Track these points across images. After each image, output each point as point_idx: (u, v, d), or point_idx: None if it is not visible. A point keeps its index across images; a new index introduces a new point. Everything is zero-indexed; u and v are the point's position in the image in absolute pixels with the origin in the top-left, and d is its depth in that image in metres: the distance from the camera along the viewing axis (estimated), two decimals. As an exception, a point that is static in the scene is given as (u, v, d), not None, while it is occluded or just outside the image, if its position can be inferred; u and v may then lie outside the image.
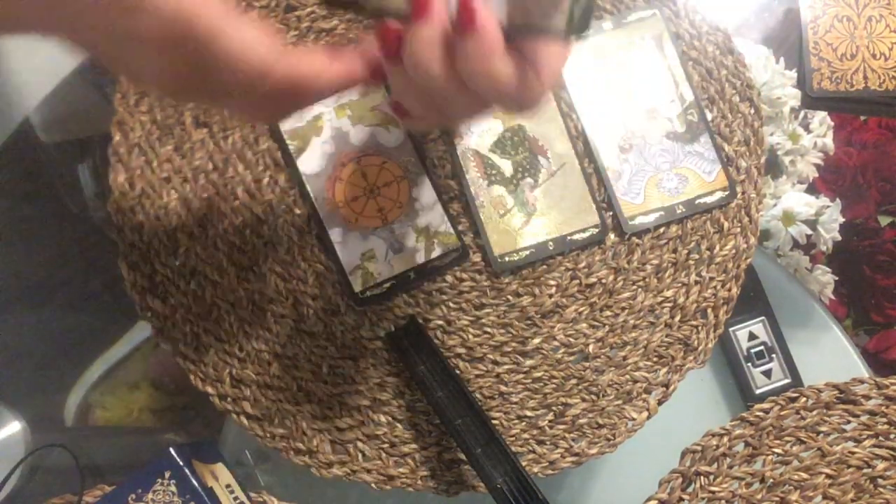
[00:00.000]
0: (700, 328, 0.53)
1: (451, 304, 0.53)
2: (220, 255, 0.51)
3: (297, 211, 0.52)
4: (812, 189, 0.77)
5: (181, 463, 0.47)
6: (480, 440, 0.46)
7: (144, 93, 0.52)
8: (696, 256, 0.54)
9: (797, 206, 0.73)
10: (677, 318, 0.53)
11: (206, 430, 0.77)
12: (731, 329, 0.65)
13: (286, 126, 0.53)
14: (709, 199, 0.54)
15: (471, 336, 0.52)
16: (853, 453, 0.51)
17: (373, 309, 0.52)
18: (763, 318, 0.65)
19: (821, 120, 0.78)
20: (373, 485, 0.50)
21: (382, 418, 0.51)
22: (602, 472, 0.64)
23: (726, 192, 0.55)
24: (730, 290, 0.54)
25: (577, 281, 0.53)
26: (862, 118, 0.90)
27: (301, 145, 0.53)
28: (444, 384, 0.48)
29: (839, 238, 0.75)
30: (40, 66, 0.56)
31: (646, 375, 0.53)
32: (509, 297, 0.53)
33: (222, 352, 0.50)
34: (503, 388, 0.52)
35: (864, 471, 0.51)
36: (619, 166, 0.54)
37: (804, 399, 0.52)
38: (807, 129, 0.77)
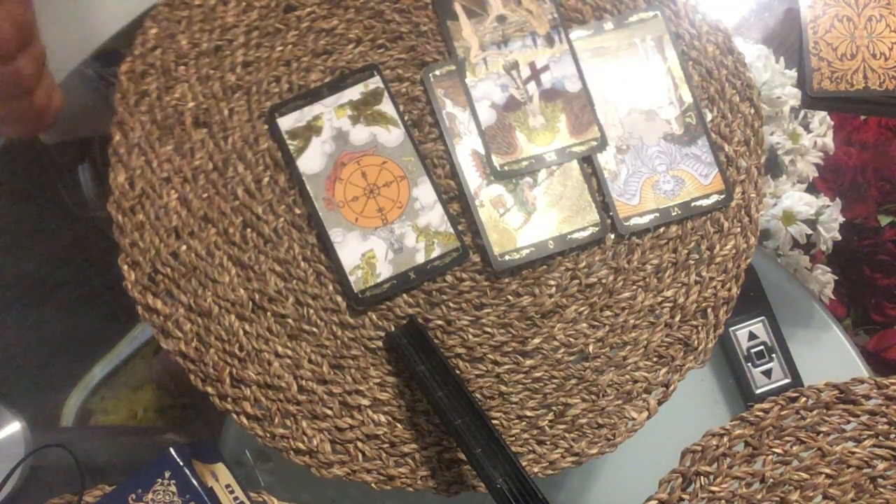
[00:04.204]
0: (700, 328, 0.53)
1: (451, 304, 0.53)
2: (220, 254, 0.51)
3: (297, 211, 0.52)
4: (812, 189, 0.77)
5: (181, 463, 0.47)
6: (480, 440, 0.46)
7: (145, 93, 0.53)
8: (696, 256, 0.54)
9: (797, 205, 0.73)
10: (677, 318, 0.53)
11: (206, 430, 0.77)
12: (731, 329, 0.65)
13: (286, 126, 0.53)
14: (704, 203, 0.54)
15: (471, 336, 0.52)
16: (853, 453, 0.51)
17: (373, 309, 0.52)
18: (763, 318, 0.65)
19: (821, 120, 0.78)
20: (373, 485, 0.50)
21: (382, 418, 0.51)
22: (602, 472, 0.64)
23: (722, 196, 0.55)
24: (730, 290, 0.54)
25: (577, 281, 0.53)
26: (862, 118, 0.90)
27: (301, 145, 0.53)
28: (444, 384, 0.48)
29: (839, 238, 0.75)
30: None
31: (646, 375, 0.53)
32: (509, 297, 0.53)
33: (222, 352, 0.50)
34: (503, 388, 0.52)
35: (864, 471, 0.51)
36: (615, 167, 0.54)
37: (804, 399, 0.52)
38: (807, 129, 0.77)
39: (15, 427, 0.57)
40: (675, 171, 0.55)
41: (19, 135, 0.53)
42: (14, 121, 0.50)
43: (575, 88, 0.55)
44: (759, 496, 0.50)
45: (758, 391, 0.64)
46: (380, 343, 0.52)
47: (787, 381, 0.64)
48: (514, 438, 0.51)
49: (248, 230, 0.52)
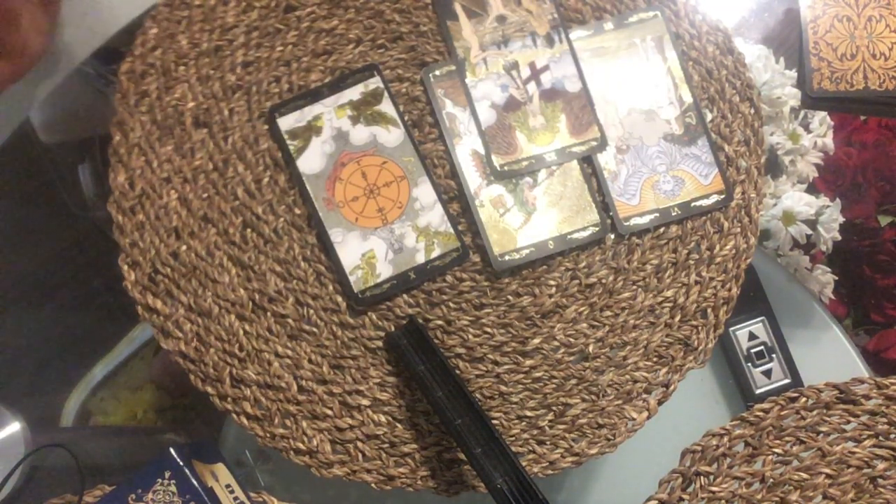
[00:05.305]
0: (700, 328, 0.53)
1: (451, 304, 0.53)
2: (221, 255, 0.51)
3: (297, 211, 0.52)
4: (812, 189, 0.77)
5: (181, 463, 0.47)
6: (480, 440, 0.46)
7: (145, 93, 0.53)
8: (696, 256, 0.54)
9: (797, 205, 0.73)
10: (677, 318, 0.53)
11: (206, 430, 0.77)
12: (731, 329, 0.65)
13: (286, 126, 0.53)
14: (704, 203, 0.54)
15: (471, 336, 0.52)
16: (853, 453, 0.51)
17: (373, 309, 0.52)
18: (763, 318, 0.65)
19: (821, 120, 0.78)
20: (373, 485, 0.50)
21: (382, 418, 0.51)
22: (602, 472, 0.64)
23: (722, 196, 0.55)
24: (730, 290, 0.54)
25: (577, 281, 0.53)
26: (862, 118, 0.90)
27: (301, 145, 0.53)
28: (444, 384, 0.48)
29: (839, 238, 0.75)
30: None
31: (646, 375, 0.53)
32: (509, 297, 0.53)
33: (222, 352, 0.50)
34: (503, 388, 0.52)
35: (864, 471, 0.51)
36: (615, 167, 0.54)
37: (804, 399, 0.52)
38: (807, 129, 0.77)
39: (15, 427, 0.57)
40: (675, 171, 0.55)
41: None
42: None
43: (575, 88, 0.55)
44: (759, 496, 0.50)
45: (758, 391, 0.64)
46: (380, 343, 0.52)
47: (787, 381, 0.64)
48: (514, 438, 0.52)
49: (248, 230, 0.52)
